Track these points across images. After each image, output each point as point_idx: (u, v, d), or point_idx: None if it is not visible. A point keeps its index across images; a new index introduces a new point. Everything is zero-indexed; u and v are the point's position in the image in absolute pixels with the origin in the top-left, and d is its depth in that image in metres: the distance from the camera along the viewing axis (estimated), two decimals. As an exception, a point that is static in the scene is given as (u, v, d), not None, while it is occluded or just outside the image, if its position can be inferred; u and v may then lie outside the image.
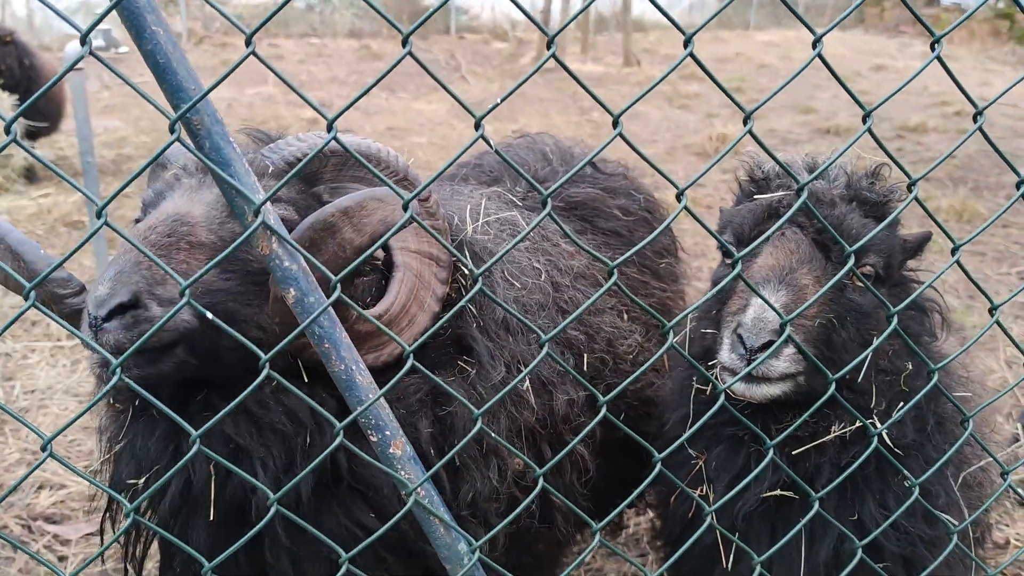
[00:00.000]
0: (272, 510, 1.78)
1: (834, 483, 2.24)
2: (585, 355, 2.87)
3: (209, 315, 1.73)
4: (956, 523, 2.40)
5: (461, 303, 1.90)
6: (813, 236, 2.36)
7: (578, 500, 2.85)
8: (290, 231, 2.23)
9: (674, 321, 1.92)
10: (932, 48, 2.02)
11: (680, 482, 2.20)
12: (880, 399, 2.37)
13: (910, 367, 2.40)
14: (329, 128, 1.65)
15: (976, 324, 6.67)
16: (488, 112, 1.74)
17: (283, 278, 1.75)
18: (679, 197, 1.86)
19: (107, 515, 2.65)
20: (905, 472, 2.28)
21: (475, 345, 2.43)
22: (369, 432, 1.88)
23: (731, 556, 2.53)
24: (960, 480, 2.52)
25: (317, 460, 1.86)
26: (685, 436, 2.05)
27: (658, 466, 2.03)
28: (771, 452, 2.13)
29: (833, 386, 2.10)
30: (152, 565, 2.93)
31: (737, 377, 2.18)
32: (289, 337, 1.73)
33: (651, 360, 1.95)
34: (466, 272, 2.47)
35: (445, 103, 15.97)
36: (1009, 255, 8.66)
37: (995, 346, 6.31)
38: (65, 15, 1.64)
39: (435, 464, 1.93)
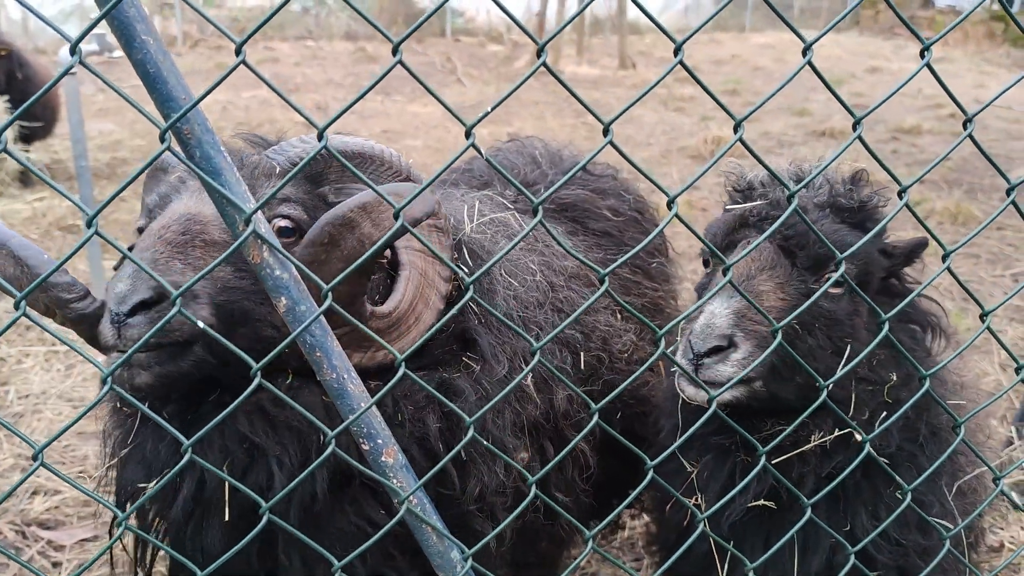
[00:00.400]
0: (264, 519, 1.78)
1: (825, 490, 2.23)
2: (582, 354, 2.89)
3: (201, 324, 1.74)
4: (953, 526, 2.40)
5: (453, 311, 1.90)
6: (779, 243, 2.38)
7: (579, 496, 2.88)
8: (300, 230, 2.28)
9: (665, 328, 1.92)
10: (922, 55, 2.02)
11: (674, 490, 2.21)
12: (862, 408, 2.37)
13: (895, 378, 2.40)
14: (320, 136, 1.65)
15: (970, 327, 6.68)
16: (479, 120, 1.75)
17: (274, 287, 1.75)
18: (670, 204, 1.86)
19: (114, 521, 2.65)
20: (897, 479, 2.28)
21: (479, 340, 2.45)
22: (361, 441, 1.88)
23: (726, 565, 2.53)
24: (954, 489, 2.52)
25: (310, 468, 1.85)
26: (675, 446, 2.05)
27: (650, 474, 2.03)
28: (763, 459, 2.13)
29: (825, 393, 2.10)
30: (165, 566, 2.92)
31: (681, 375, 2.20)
32: (280, 346, 1.73)
33: (644, 366, 1.95)
34: (466, 271, 2.49)
35: (440, 106, 15.94)
36: (1003, 257, 8.68)
37: (989, 349, 6.31)
38: (55, 24, 1.64)
39: (443, 460, 1.94)
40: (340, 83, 17.75)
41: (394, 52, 1.68)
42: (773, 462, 2.29)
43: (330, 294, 1.71)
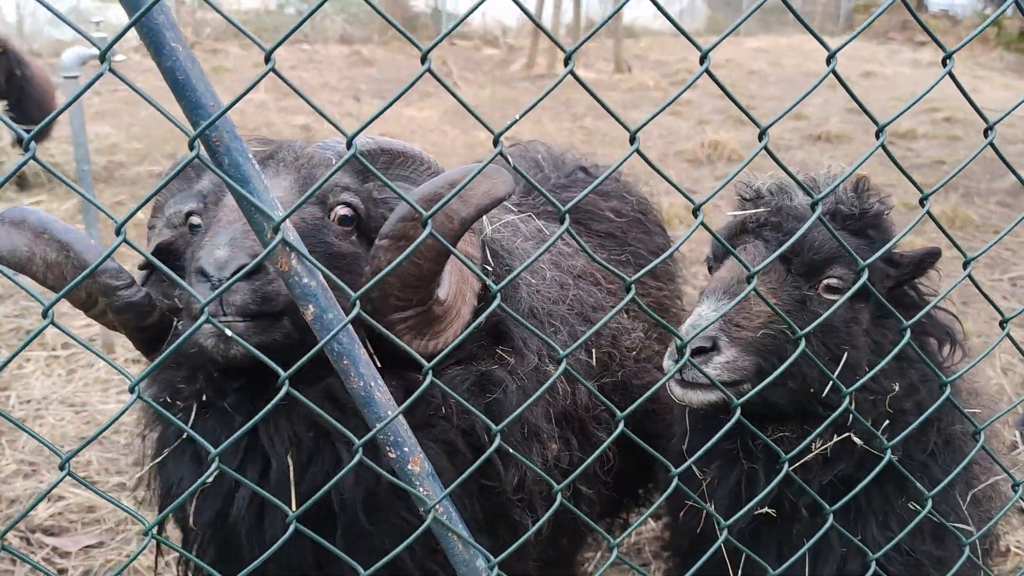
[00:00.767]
0: (291, 528, 1.78)
1: (845, 499, 2.23)
2: (594, 351, 2.91)
3: (229, 333, 1.73)
4: (971, 532, 2.41)
5: (485, 313, 1.88)
6: (774, 248, 2.38)
7: (600, 489, 2.91)
8: (358, 219, 2.31)
9: (689, 339, 1.93)
10: (944, 63, 2.03)
11: (694, 498, 2.20)
12: (863, 417, 2.37)
13: (897, 388, 2.39)
14: (349, 145, 1.65)
15: (970, 331, 6.70)
16: (506, 128, 1.75)
17: (302, 295, 1.74)
18: (696, 212, 1.87)
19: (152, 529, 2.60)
20: (920, 487, 2.28)
21: (511, 333, 2.46)
22: (388, 449, 1.87)
23: (739, 571, 2.53)
24: (968, 498, 2.52)
25: (339, 475, 1.84)
26: (701, 452, 2.03)
27: (675, 482, 2.03)
28: (786, 466, 2.13)
29: (848, 399, 2.11)
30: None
31: (668, 376, 2.21)
32: (308, 355, 1.73)
33: (666, 377, 1.94)
34: (491, 271, 2.51)
35: (437, 110, 15.97)
36: (1001, 261, 8.70)
37: (991, 353, 6.33)
38: (82, 30, 1.63)
39: (473, 466, 1.94)
40: (335, 87, 17.73)
41: (423, 60, 1.68)
42: (778, 470, 2.29)
43: (358, 303, 1.71)
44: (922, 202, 2.06)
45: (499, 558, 1.93)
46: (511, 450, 2.14)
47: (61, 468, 1.72)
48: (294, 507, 2.12)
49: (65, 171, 10.54)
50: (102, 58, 1.50)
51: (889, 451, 2.21)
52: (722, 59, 22.43)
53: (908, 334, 2.11)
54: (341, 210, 2.28)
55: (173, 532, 2.82)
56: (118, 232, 1.57)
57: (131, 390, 1.71)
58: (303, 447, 2.18)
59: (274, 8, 26.26)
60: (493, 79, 19.95)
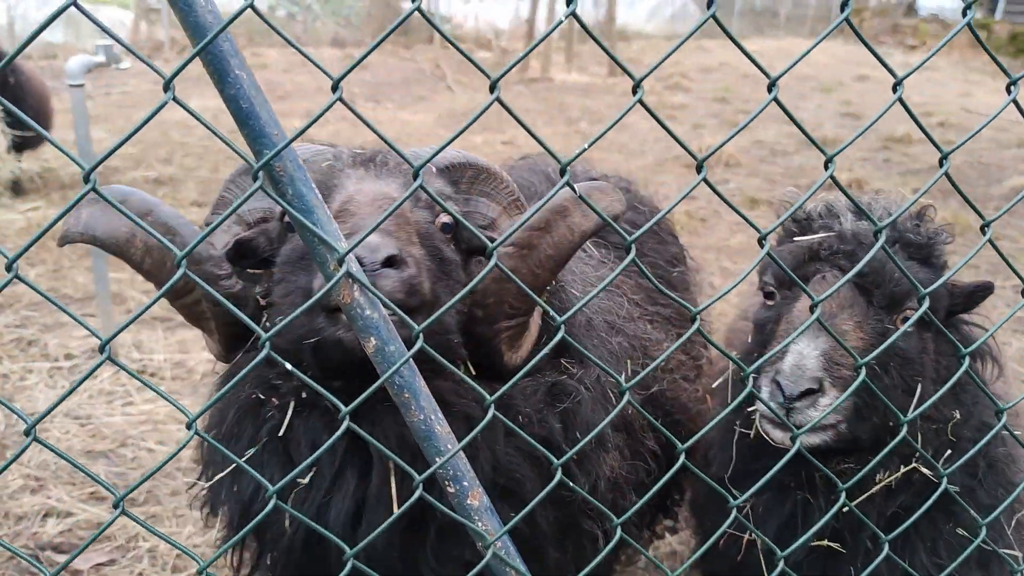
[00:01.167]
0: (348, 566, 1.73)
1: (900, 528, 2.19)
2: (628, 362, 2.88)
3: (263, 335, 1.68)
4: (1017, 558, 2.38)
5: (546, 348, 1.84)
6: (855, 280, 2.34)
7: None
8: (456, 228, 2.28)
9: (749, 370, 1.89)
10: (1008, 90, 2.00)
11: (729, 524, 2.16)
12: (926, 447, 2.34)
13: (958, 415, 2.37)
14: (415, 176, 1.60)
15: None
16: (575, 158, 1.71)
17: (364, 327, 1.70)
18: (761, 242, 1.83)
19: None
20: (972, 513, 2.25)
21: (573, 345, 2.41)
22: (447, 483, 1.83)
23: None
24: (1013, 522, 2.49)
25: (399, 512, 1.79)
26: (761, 484, 1.99)
27: (733, 512, 1.99)
28: (843, 496, 2.09)
29: (905, 428, 2.07)
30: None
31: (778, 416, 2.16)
32: (371, 389, 1.69)
33: (731, 406, 1.90)
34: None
35: (431, 113, 15.92)
36: (1003, 268, 8.71)
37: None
38: (143, 56, 1.58)
39: (534, 500, 1.89)
40: (329, 91, 17.61)
41: (491, 89, 1.64)
42: (843, 503, 2.26)
43: (421, 336, 1.67)
44: (983, 229, 2.02)
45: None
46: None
47: (115, 507, 1.67)
48: (395, 508, 2.06)
49: (60, 176, 10.45)
50: (166, 87, 1.45)
51: (946, 479, 2.18)
52: (715, 62, 22.48)
53: (967, 361, 2.08)
54: (444, 217, 2.26)
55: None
56: (178, 265, 1.52)
57: (188, 427, 1.66)
58: (406, 450, 2.10)
59: (265, 10, 26.14)
60: (487, 83, 19.87)
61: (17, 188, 9.81)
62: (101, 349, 1.56)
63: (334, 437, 1.71)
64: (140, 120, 1.50)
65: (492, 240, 1.75)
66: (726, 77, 20.85)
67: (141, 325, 6.68)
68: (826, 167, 1.84)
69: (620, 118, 1.70)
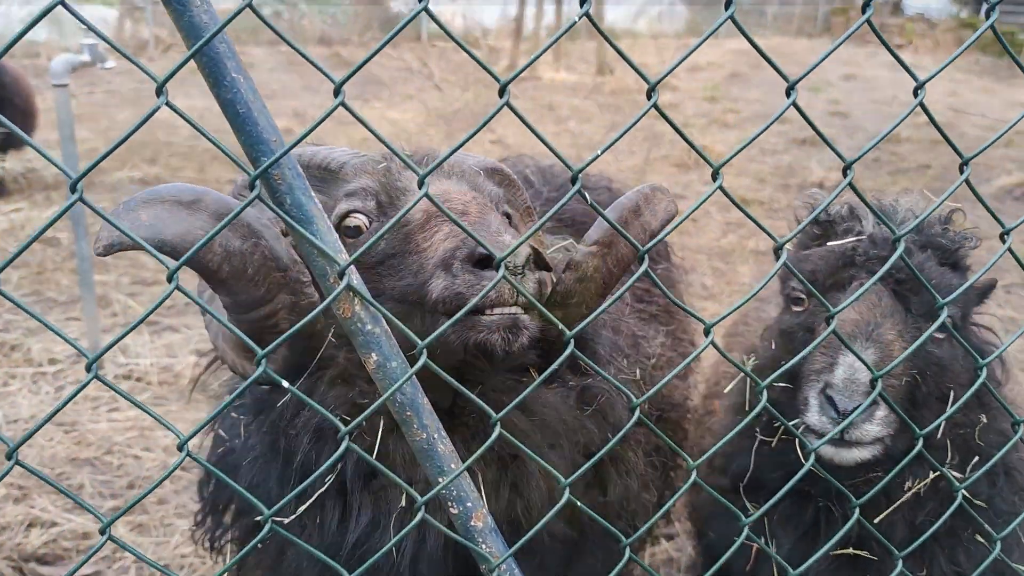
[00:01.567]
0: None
1: (917, 542, 2.13)
2: (625, 360, 2.81)
3: (279, 378, 1.60)
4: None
5: (556, 364, 1.76)
6: (892, 287, 2.27)
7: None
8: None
9: (764, 384, 1.82)
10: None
11: (770, 551, 2.10)
12: (954, 454, 2.28)
13: (984, 419, 2.31)
14: (420, 184, 1.53)
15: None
16: (585, 167, 1.63)
17: (364, 343, 1.62)
18: (777, 252, 1.76)
19: None
20: (987, 528, 2.20)
21: (595, 346, 2.38)
22: (450, 504, 1.75)
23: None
24: (1030, 532, 2.44)
25: (400, 534, 1.72)
26: (774, 501, 1.93)
27: (745, 531, 1.93)
28: (856, 512, 2.03)
29: (921, 441, 2.01)
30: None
31: (824, 440, 2.07)
32: (372, 407, 1.63)
33: (748, 418, 1.84)
34: None
35: (420, 112, 15.82)
36: (993, 269, 8.69)
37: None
38: (135, 59, 1.49)
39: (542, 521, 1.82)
40: (316, 89, 17.50)
41: (500, 94, 1.57)
42: (870, 513, 2.20)
43: (424, 351, 1.59)
44: (1003, 237, 1.96)
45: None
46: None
47: (102, 533, 1.59)
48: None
49: (43, 177, 10.30)
50: (158, 91, 1.38)
51: (961, 493, 2.12)
52: (704, 61, 22.44)
53: (984, 373, 2.02)
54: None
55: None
56: (172, 284, 1.45)
57: (180, 448, 1.58)
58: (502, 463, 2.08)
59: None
60: (475, 81, 19.80)
61: (1, 189, 9.66)
62: (88, 367, 1.48)
63: (334, 457, 1.64)
64: (130, 123, 1.42)
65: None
66: (714, 76, 20.81)
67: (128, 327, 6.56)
68: (844, 174, 1.77)
69: (634, 123, 1.64)
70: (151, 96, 1.44)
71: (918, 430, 2.01)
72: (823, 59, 1.70)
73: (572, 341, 1.69)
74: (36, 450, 5.18)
